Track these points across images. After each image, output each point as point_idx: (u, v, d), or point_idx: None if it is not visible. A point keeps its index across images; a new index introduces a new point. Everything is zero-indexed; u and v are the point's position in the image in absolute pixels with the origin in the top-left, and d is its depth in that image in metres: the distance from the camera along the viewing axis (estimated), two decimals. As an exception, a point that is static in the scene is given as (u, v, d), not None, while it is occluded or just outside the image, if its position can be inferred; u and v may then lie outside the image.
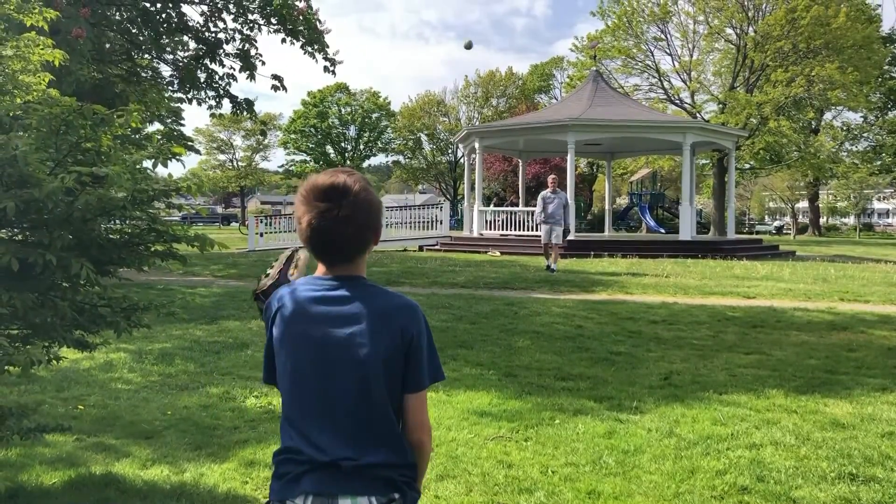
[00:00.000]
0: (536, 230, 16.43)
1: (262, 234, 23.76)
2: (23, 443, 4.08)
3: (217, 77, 14.93)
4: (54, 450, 4.36)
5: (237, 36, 14.47)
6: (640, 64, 39.95)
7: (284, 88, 14.56)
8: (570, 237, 15.18)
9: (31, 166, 2.71)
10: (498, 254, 19.78)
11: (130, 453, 4.35)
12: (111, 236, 3.28)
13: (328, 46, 14.16)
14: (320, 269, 1.88)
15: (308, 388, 1.80)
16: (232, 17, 14.33)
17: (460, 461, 4.21)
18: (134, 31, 13.89)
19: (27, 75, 3.73)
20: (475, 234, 22.98)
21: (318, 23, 13.93)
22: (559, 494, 3.78)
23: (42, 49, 3.77)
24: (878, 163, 49.16)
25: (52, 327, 3.09)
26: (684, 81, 39.75)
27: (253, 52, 14.56)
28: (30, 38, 3.72)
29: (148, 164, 3.22)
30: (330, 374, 1.78)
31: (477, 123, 53.15)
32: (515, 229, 22.10)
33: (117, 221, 3.33)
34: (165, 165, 3.20)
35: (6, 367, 2.73)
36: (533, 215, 21.55)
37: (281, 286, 1.99)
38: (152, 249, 3.31)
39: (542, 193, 15.06)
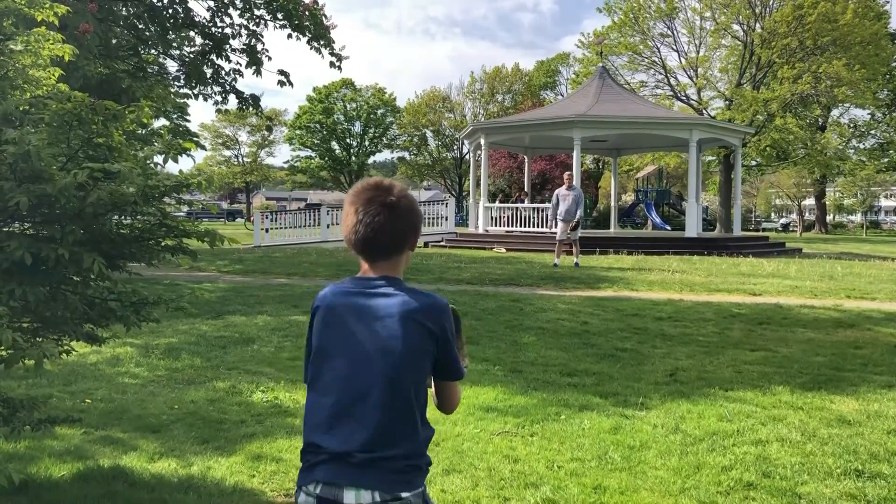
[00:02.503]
0: (550, 227, 16.53)
1: (267, 230, 23.84)
2: (32, 435, 4.11)
3: (223, 72, 14.93)
4: (62, 443, 4.39)
5: (243, 31, 14.46)
6: (646, 60, 39.90)
7: (290, 84, 14.56)
8: (578, 233, 15.30)
9: (44, 161, 2.72)
10: (503, 250, 19.78)
11: (138, 446, 4.38)
12: (122, 231, 3.30)
13: (334, 42, 14.15)
14: (362, 270, 1.96)
15: (338, 383, 1.88)
16: (238, 12, 14.33)
17: (466, 456, 4.23)
18: (140, 26, 13.90)
19: (37, 70, 3.75)
20: (480, 231, 22.99)
21: (324, 18, 13.93)
22: (565, 489, 3.79)
23: (52, 44, 3.79)
24: (886, 160, 49.01)
25: (62, 321, 3.12)
26: (691, 78, 39.68)
27: (259, 47, 14.57)
28: (40, 34, 3.74)
29: (158, 159, 3.24)
30: (360, 368, 1.86)
31: (482, 120, 53.12)
32: (521, 226, 22.11)
33: (128, 217, 3.35)
34: (176, 161, 3.22)
35: (20, 361, 2.75)
36: (539, 212, 21.65)
37: None
38: (162, 244, 3.33)
39: (558, 190, 15.25)
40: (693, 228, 22.03)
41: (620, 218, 36.58)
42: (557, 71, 65.09)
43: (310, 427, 1.91)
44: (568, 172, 16.71)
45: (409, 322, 1.85)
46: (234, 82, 15.18)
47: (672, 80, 40.07)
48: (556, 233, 15.46)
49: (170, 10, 13.86)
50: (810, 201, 61.71)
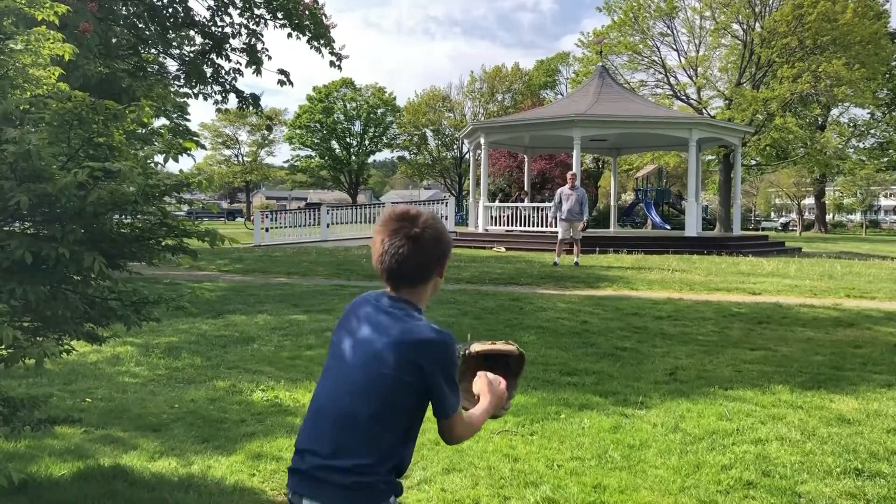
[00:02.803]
0: (550, 226, 16.57)
1: (267, 230, 23.84)
2: (32, 434, 4.11)
3: (223, 72, 14.92)
4: (63, 442, 4.40)
5: (243, 30, 14.46)
6: (646, 59, 39.90)
7: (290, 83, 14.55)
8: (581, 233, 15.33)
9: (45, 161, 2.72)
10: (503, 249, 19.80)
11: (138, 445, 4.38)
12: (122, 230, 3.30)
13: (334, 41, 14.15)
14: (388, 288, 2.02)
15: (324, 384, 1.98)
16: (238, 11, 14.34)
17: (466, 455, 4.23)
18: (140, 25, 13.89)
19: (37, 69, 3.75)
20: (480, 230, 22.99)
21: (324, 17, 13.92)
22: (565, 488, 3.79)
23: (52, 43, 3.79)
24: (885, 159, 49.00)
25: (63, 320, 3.12)
26: (690, 77, 39.68)
27: (259, 46, 14.56)
28: (40, 33, 3.74)
29: (158, 158, 3.24)
30: (343, 375, 1.93)
31: (482, 119, 53.10)
32: (521, 225, 22.12)
33: (128, 216, 3.35)
34: (176, 160, 3.22)
35: (21, 360, 2.75)
36: (539, 211, 21.65)
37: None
38: (163, 244, 3.33)
39: (561, 189, 15.22)
40: (693, 228, 22.04)
41: (620, 217, 36.58)
42: (557, 70, 65.04)
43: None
44: (571, 172, 16.79)
45: (400, 350, 1.86)
46: (234, 81, 15.19)
47: (672, 80, 40.09)
48: (556, 232, 15.48)
49: (170, 10, 13.85)
50: (810, 201, 61.73)
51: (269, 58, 14.80)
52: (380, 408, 1.86)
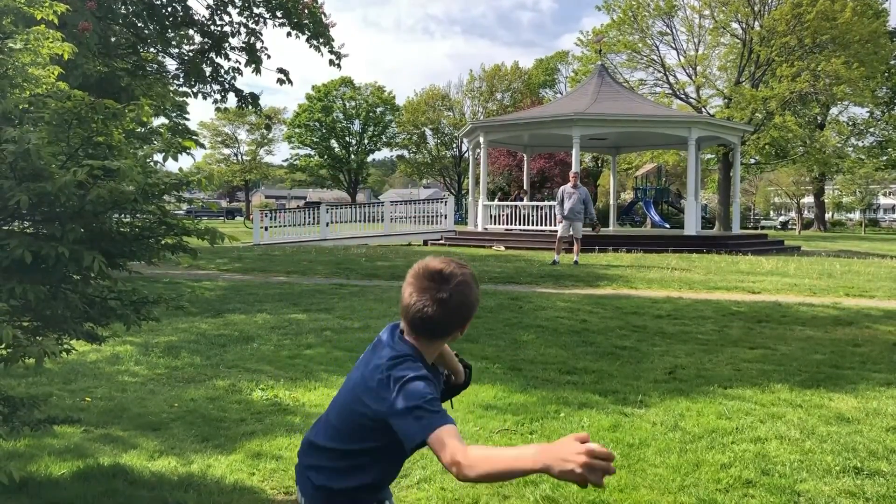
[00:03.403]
0: (555, 224, 16.62)
1: (266, 229, 23.86)
2: (32, 434, 4.11)
3: (222, 71, 14.91)
4: (62, 441, 4.39)
5: (242, 29, 14.44)
6: (645, 58, 39.93)
7: (290, 82, 14.54)
8: (588, 231, 15.33)
9: (44, 160, 2.72)
10: (502, 248, 19.81)
11: (138, 445, 4.38)
12: (122, 229, 3.29)
13: (333, 40, 14.13)
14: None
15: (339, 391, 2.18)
16: (237, 10, 14.32)
17: (466, 454, 4.22)
18: (139, 24, 13.87)
19: (36, 68, 3.75)
20: (480, 229, 23.00)
21: (323, 16, 13.90)
22: (564, 487, 3.79)
23: (51, 42, 3.78)
24: (885, 158, 49.01)
25: (62, 319, 3.11)
26: (690, 76, 39.71)
27: (258, 45, 14.55)
28: (39, 32, 3.74)
29: (158, 157, 3.24)
30: (345, 386, 2.11)
31: (482, 118, 53.09)
32: (520, 224, 22.13)
33: (128, 215, 3.35)
34: (175, 159, 3.22)
35: (20, 359, 2.75)
36: (538, 210, 21.67)
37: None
38: (163, 243, 3.33)
39: (563, 187, 15.21)
40: (692, 226, 22.05)
41: (619, 216, 36.62)
42: (556, 69, 65.06)
43: None
44: (574, 171, 16.85)
45: (375, 377, 1.94)
46: (233, 80, 15.17)
47: (671, 79, 40.12)
48: (556, 230, 15.49)
49: (169, 9, 13.84)
50: (809, 199, 61.77)
51: (269, 57, 14.80)
52: (351, 424, 2.00)
